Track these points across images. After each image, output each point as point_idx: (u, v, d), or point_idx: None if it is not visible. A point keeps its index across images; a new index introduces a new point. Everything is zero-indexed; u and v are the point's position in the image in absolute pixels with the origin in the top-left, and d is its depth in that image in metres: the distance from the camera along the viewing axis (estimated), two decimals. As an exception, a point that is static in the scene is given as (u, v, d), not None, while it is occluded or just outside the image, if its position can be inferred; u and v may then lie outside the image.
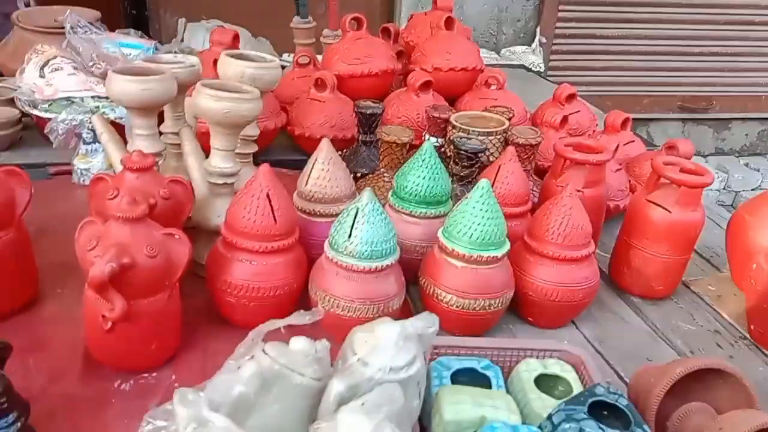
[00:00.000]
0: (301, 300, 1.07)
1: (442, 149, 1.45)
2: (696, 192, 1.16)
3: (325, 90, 1.63)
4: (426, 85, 1.63)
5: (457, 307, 1.05)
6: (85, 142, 1.48)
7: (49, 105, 1.53)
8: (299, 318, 0.73)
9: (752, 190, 3.86)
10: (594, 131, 1.76)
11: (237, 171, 1.14)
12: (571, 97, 1.72)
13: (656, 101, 3.71)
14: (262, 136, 1.57)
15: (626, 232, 1.24)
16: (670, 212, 1.16)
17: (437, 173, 1.15)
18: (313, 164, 1.13)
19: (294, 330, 0.75)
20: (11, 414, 0.78)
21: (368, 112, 1.42)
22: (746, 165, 4.01)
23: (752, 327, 1.18)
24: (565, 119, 1.59)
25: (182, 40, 2.18)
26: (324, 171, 1.12)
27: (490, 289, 1.05)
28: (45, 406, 0.87)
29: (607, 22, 3.42)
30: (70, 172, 1.51)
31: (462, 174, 1.29)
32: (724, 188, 3.84)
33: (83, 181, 1.47)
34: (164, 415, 0.67)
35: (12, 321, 1.04)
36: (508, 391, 0.91)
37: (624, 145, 1.58)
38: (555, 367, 0.94)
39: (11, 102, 1.63)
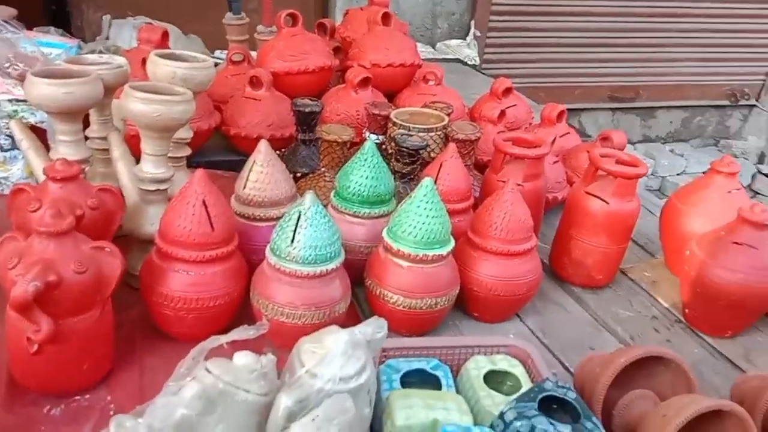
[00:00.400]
0: (243, 309, 1.03)
1: (383, 146, 1.44)
2: (632, 183, 1.19)
3: (261, 88, 1.58)
4: (365, 82, 1.61)
5: (404, 307, 1.04)
6: (2, 149, 1.38)
7: (-39, 110, 1.43)
8: (243, 333, 0.70)
9: (677, 174, 4.04)
10: (531, 124, 1.79)
11: (170, 176, 1.09)
12: (507, 90, 1.73)
13: (587, 92, 3.83)
14: (196, 137, 1.51)
15: (566, 224, 1.26)
16: (607, 203, 1.19)
17: (380, 172, 1.13)
18: (251, 167, 1.09)
19: (237, 343, 0.72)
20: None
21: (306, 110, 1.39)
22: (671, 151, 4.19)
23: (687, 311, 1.22)
24: (502, 113, 1.61)
25: (107, 38, 2.08)
26: (263, 174, 1.09)
27: (437, 287, 1.04)
28: (-33, 439, 0.80)
29: (540, 15, 3.50)
30: (-13, 182, 1.41)
31: (404, 171, 1.28)
32: (651, 174, 4.00)
33: (1, 191, 1.37)
34: (100, 443, 0.63)
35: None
36: (457, 390, 0.90)
37: (560, 137, 1.61)
38: (503, 362, 0.94)
39: None
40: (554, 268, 1.32)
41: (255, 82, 1.59)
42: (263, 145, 1.09)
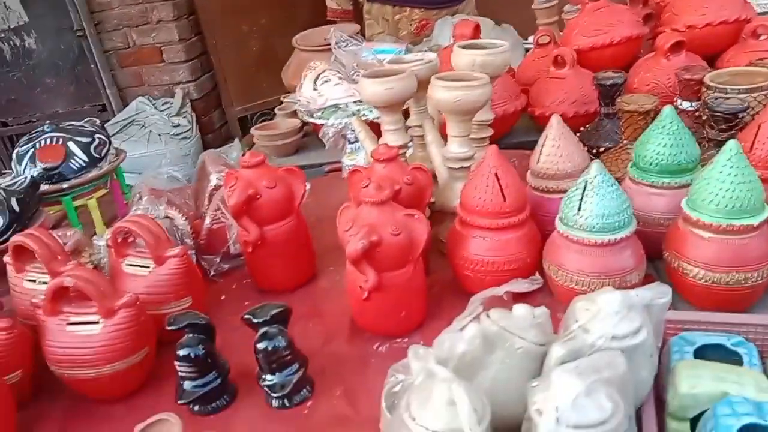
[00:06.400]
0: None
1: (697, 113, 1.34)
2: None
3: (565, 66, 1.61)
4: (677, 46, 1.50)
5: (705, 281, 0.97)
6: (350, 142, 1.70)
7: (322, 113, 1.80)
8: (518, 285, 0.78)
9: None
10: None
11: (472, 155, 1.21)
12: None
13: None
14: (503, 119, 1.62)
15: None
16: None
17: (681, 140, 1.07)
18: (544, 141, 1.15)
19: (517, 296, 0.79)
20: (294, 364, 0.97)
21: (608, 83, 1.38)
22: None
23: None
24: None
25: (431, 38, 2.33)
26: (555, 147, 1.13)
27: (746, 261, 0.95)
28: (319, 362, 1.05)
29: None
30: (340, 169, 1.75)
31: (719, 138, 1.18)
32: None
33: (349, 175, 1.69)
34: (404, 370, 0.77)
35: (296, 293, 1.27)
36: (765, 373, 0.82)
37: None
38: (830, 348, 0.82)
39: (294, 114, 1.95)
40: None
41: (559, 61, 1.62)
42: (555, 120, 1.14)
